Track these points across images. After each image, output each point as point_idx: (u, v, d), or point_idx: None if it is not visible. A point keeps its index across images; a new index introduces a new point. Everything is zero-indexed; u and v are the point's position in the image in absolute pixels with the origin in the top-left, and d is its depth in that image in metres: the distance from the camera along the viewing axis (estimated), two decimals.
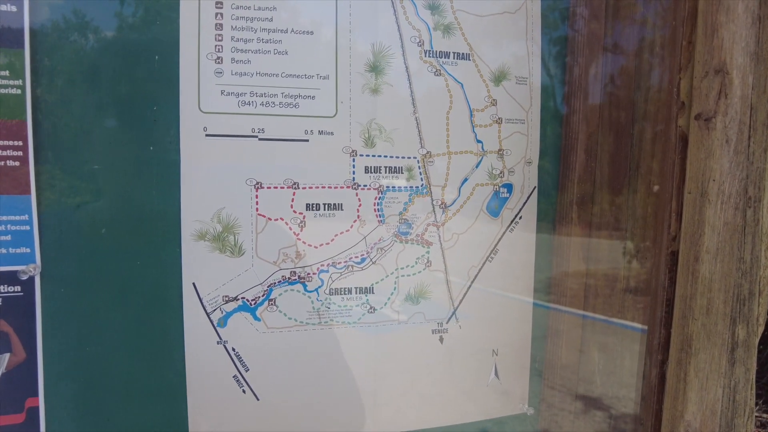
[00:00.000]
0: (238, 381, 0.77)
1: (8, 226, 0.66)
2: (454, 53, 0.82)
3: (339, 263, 0.79)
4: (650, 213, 0.83)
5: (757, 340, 0.74)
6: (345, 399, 0.82)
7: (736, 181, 0.69)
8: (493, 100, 0.84)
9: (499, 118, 0.85)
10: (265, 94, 0.74)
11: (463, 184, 0.84)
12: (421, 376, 0.86)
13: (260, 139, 0.74)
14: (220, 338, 0.76)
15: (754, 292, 0.73)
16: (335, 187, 0.78)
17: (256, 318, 0.77)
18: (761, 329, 0.74)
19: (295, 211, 0.77)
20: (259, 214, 0.75)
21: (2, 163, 0.65)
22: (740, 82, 0.67)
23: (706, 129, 0.68)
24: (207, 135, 0.73)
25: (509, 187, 0.87)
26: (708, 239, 0.69)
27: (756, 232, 0.72)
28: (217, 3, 0.72)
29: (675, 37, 0.74)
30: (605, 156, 0.88)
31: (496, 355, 0.89)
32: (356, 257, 0.80)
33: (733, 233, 0.70)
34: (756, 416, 2.69)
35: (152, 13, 0.71)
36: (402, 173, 0.81)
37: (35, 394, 0.69)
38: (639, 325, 0.85)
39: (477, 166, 0.85)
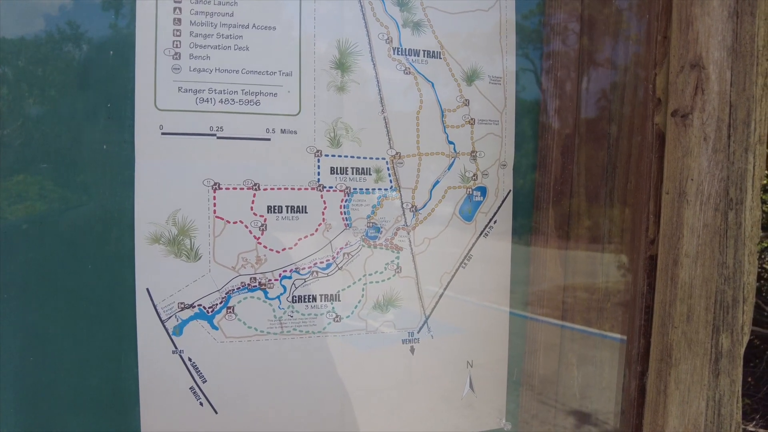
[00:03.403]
0: (195, 393, 0.73)
1: None
2: (424, 51, 0.79)
3: (303, 269, 0.75)
4: (628, 216, 0.80)
5: (742, 350, 0.71)
6: (309, 412, 0.77)
7: (716, 181, 0.66)
8: (466, 100, 0.81)
9: (471, 119, 0.82)
10: (224, 90, 0.71)
11: (434, 186, 0.81)
12: (391, 389, 0.81)
13: (219, 138, 0.71)
14: (176, 347, 0.72)
15: (738, 299, 0.69)
16: (299, 189, 0.75)
17: (213, 326, 0.73)
18: (746, 338, 0.70)
19: (255, 214, 0.73)
20: (216, 217, 0.71)
21: None
22: (717, 77, 0.64)
23: (683, 126, 0.65)
24: (163, 133, 0.69)
25: (483, 191, 0.84)
26: (687, 242, 0.66)
27: (739, 235, 0.69)
28: None
29: (650, 32, 0.71)
30: (583, 160, 0.85)
31: (471, 366, 0.85)
32: (321, 263, 0.76)
33: (713, 236, 0.66)
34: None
35: (107, 6, 0.68)
36: (370, 174, 0.78)
37: None
38: (618, 335, 0.81)
39: (449, 168, 0.81)
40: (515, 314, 0.87)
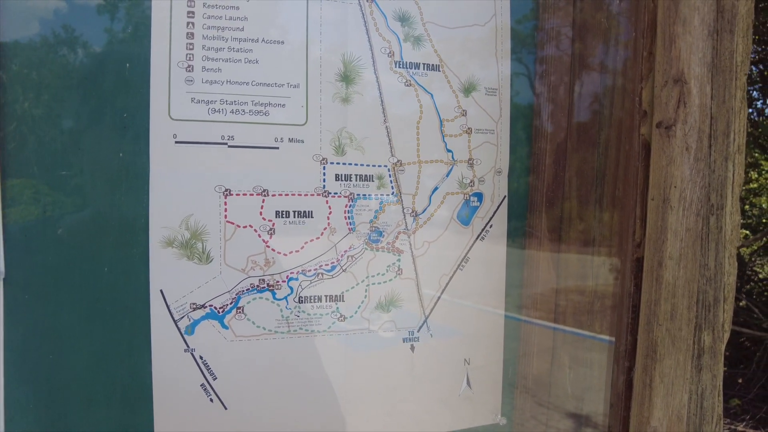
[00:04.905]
0: (205, 389, 0.76)
1: None
2: (424, 64, 0.83)
3: (309, 271, 0.79)
4: (616, 221, 0.84)
5: (723, 347, 0.75)
6: (314, 408, 0.81)
7: (698, 188, 0.71)
8: (463, 110, 0.86)
9: (468, 128, 0.86)
10: (235, 101, 0.75)
11: (433, 192, 0.85)
12: (392, 385, 0.85)
13: (230, 147, 0.75)
14: (188, 346, 0.75)
15: (719, 298, 0.74)
16: (305, 195, 0.78)
17: (224, 326, 0.76)
18: (727, 335, 0.75)
19: (264, 219, 0.77)
20: (227, 222, 0.75)
21: None
22: (698, 91, 0.69)
23: (666, 137, 0.70)
24: (176, 142, 0.73)
25: (479, 196, 0.88)
26: (671, 245, 0.70)
27: (720, 239, 0.73)
28: (188, 12, 0.73)
29: (636, 48, 0.75)
30: (575, 165, 0.90)
31: (468, 364, 0.89)
32: (326, 265, 0.80)
33: (695, 239, 0.71)
34: None
35: (123, 21, 0.72)
36: (373, 181, 0.82)
37: None
38: (607, 337, 0.85)
39: (447, 175, 0.86)
40: (510, 314, 0.91)
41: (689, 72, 0.68)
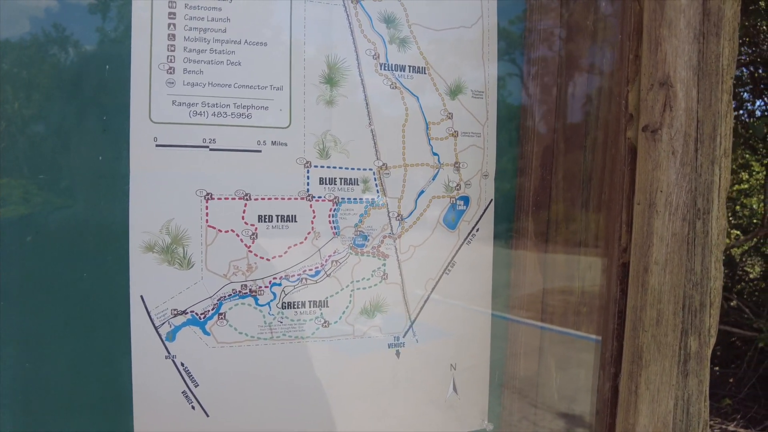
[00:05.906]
0: (187, 397, 0.75)
1: None
2: (409, 67, 0.82)
3: (292, 276, 0.78)
4: (602, 225, 0.84)
5: (709, 352, 0.74)
6: (297, 416, 0.80)
7: (684, 193, 0.70)
8: (449, 113, 0.85)
9: (455, 131, 0.85)
10: (217, 104, 0.74)
11: (419, 196, 0.84)
12: (377, 391, 0.84)
13: (211, 150, 0.74)
14: (169, 353, 0.74)
15: (706, 303, 0.73)
16: (288, 199, 0.77)
17: (205, 332, 0.75)
18: (713, 341, 0.74)
19: (246, 223, 0.76)
20: (209, 226, 0.74)
21: None
22: (684, 95, 0.68)
23: (652, 140, 0.69)
24: (157, 145, 0.72)
25: (466, 200, 0.87)
26: (656, 250, 0.70)
27: (706, 243, 0.73)
28: (170, 13, 0.72)
29: (622, 51, 0.75)
30: (561, 169, 0.89)
31: (455, 369, 0.88)
32: (310, 270, 0.79)
33: (681, 244, 0.70)
34: None
35: (102, 22, 0.71)
36: (357, 185, 0.81)
37: None
38: (594, 336, 0.85)
39: (433, 179, 0.85)
40: (498, 317, 0.90)
41: (675, 75, 0.67)
